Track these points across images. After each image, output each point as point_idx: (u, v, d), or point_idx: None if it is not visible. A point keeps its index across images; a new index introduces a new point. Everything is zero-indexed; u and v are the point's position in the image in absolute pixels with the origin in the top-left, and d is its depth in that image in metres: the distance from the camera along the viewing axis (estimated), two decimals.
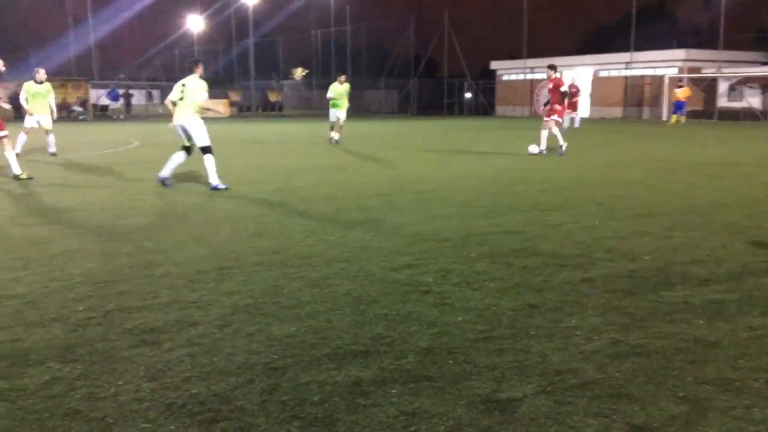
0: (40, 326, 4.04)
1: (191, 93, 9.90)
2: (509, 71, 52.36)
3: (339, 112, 19.23)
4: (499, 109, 52.80)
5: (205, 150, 9.91)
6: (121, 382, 3.27)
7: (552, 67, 16.05)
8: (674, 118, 33.40)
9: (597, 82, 45.11)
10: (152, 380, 3.30)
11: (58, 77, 40.42)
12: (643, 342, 3.82)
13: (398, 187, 10.27)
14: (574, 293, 4.74)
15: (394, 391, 3.20)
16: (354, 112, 44.80)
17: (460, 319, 4.21)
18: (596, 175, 11.84)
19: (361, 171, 12.54)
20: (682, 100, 32.71)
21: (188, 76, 10.06)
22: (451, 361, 3.54)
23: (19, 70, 47.21)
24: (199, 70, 10.15)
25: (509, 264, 5.55)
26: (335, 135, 19.35)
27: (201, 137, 9.95)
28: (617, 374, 3.38)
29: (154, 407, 3.03)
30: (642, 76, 41.89)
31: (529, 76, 49.59)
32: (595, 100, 45.14)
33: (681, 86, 32.96)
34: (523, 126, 30.94)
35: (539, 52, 51.34)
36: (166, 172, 10.22)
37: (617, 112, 43.52)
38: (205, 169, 9.93)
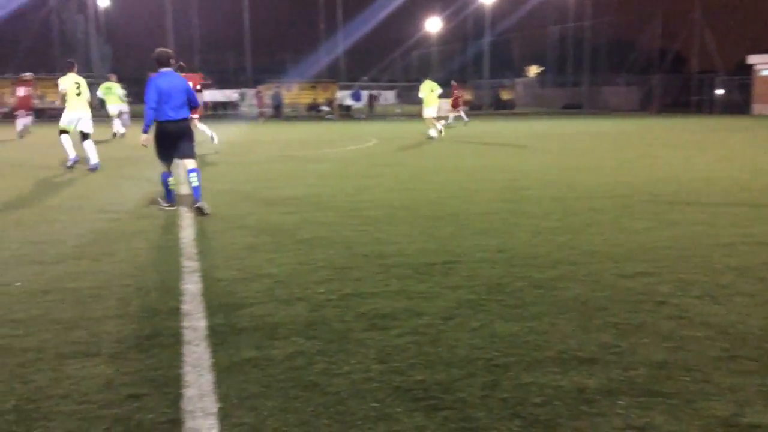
0: (287, 304, 4.48)
1: (86, 89, 12.67)
2: None
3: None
4: (756, 108, 47.35)
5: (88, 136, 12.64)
6: (354, 362, 3.52)
7: (179, 67, 14.50)
8: None
9: None
10: (381, 363, 3.50)
11: (310, 80, 44.27)
12: None
13: (634, 189, 9.71)
14: None
15: (621, 402, 3.06)
16: (590, 108, 42.98)
17: (699, 334, 3.88)
18: None
19: (593, 172, 12.05)
20: None
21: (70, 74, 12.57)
22: (687, 378, 3.29)
23: (278, 72, 52.42)
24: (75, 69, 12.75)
25: (761, 278, 4.99)
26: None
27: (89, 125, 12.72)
28: None
29: (382, 388, 3.22)
30: None
31: None
32: None
33: None
34: None
35: None
36: (95, 159, 12.45)
37: None
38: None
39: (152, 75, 7.92)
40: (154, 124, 7.88)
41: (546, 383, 3.26)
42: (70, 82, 12.59)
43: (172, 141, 7.92)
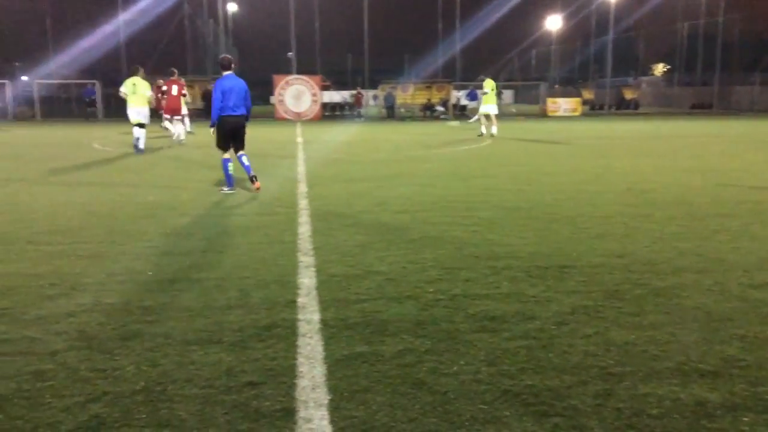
0: (396, 301, 4.55)
1: (142, 88, 15.59)
2: None
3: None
4: None
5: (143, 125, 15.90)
6: (462, 363, 3.52)
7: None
8: None
9: None
10: (491, 365, 3.48)
11: (425, 80, 44.47)
12: None
13: (766, 194, 9.06)
14: None
15: (745, 419, 2.88)
16: (720, 109, 40.56)
17: None
18: None
19: (723, 175, 11.33)
20: None
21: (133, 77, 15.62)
22: None
23: (393, 72, 53.00)
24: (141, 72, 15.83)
25: None
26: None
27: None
28: None
29: (490, 391, 3.20)
30: None
31: None
32: None
33: None
34: None
35: None
36: (142, 145, 15.75)
37: None
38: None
39: (218, 78, 9.55)
40: (219, 118, 9.39)
41: (664, 395, 3.12)
42: (129, 84, 15.75)
43: (232, 133, 9.58)
